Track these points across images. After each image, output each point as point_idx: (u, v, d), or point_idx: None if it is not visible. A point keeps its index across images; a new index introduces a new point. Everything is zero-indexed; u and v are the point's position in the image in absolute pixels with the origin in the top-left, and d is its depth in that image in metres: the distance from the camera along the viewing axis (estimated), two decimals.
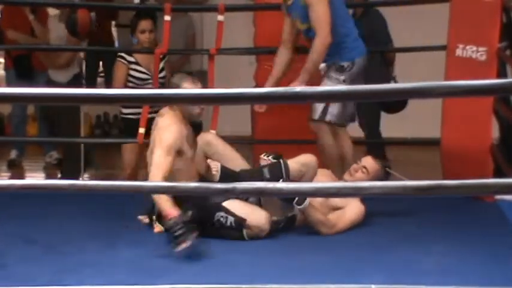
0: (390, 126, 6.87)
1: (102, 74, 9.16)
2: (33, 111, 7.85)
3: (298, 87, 2.45)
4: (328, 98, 2.92)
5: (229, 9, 6.03)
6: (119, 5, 8.73)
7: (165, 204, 4.32)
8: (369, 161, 4.99)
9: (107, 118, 8.85)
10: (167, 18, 5.96)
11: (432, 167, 5.83)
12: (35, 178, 7.09)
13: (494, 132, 5.65)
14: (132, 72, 5.94)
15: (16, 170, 7.26)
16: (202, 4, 7.92)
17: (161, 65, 5.98)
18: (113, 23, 9.30)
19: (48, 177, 7.08)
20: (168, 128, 4.56)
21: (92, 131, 8.73)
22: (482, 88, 2.43)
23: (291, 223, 4.82)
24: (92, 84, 8.05)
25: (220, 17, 5.89)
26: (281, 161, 4.84)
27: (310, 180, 4.83)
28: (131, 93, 2.66)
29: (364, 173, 4.92)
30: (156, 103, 5.80)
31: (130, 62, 5.95)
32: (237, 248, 4.52)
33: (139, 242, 4.44)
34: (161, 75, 5.97)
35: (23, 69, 7.07)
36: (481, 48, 5.44)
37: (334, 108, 5.20)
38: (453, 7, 5.58)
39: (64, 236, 4.66)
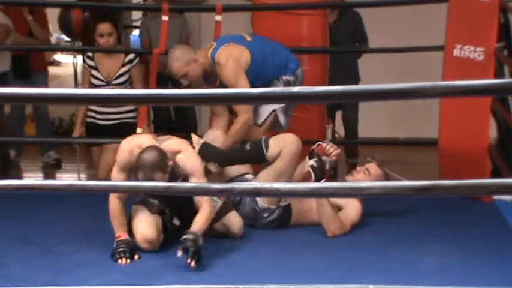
0: (388, 126, 6.89)
1: None
2: (31, 112, 7.86)
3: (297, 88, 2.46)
4: (326, 98, 2.92)
5: (227, 9, 6.04)
6: (117, 5, 8.75)
7: (116, 226, 4.37)
8: (373, 165, 5.07)
9: None
10: (165, 18, 5.95)
11: (430, 167, 5.84)
12: (33, 178, 7.09)
13: (492, 132, 5.66)
14: (91, 77, 5.89)
15: (14, 170, 7.26)
16: (200, 4, 7.94)
17: (123, 69, 5.87)
18: None
19: (46, 177, 7.08)
20: (121, 148, 4.46)
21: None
22: (479, 88, 2.42)
23: (287, 215, 4.86)
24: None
25: (218, 17, 5.90)
26: (263, 138, 4.90)
27: (290, 154, 4.80)
28: (130, 93, 2.66)
29: (365, 175, 4.98)
30: (154, 104, 5.83)
31: (90, 66, 5.89)
32: (236, 248, 4.52)
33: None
34: (120, 80, 5.85)
35: (21, 69, 7.07)
36: (478, 49, 5.45)
37: (282, 119, 5.25)
38: (451, 7, 5.58)
39: (61, 236, 4.67)
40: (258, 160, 4.89)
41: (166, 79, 6.83)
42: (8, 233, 4.77)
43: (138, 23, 9.19)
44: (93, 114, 5.96)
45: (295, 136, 4.89)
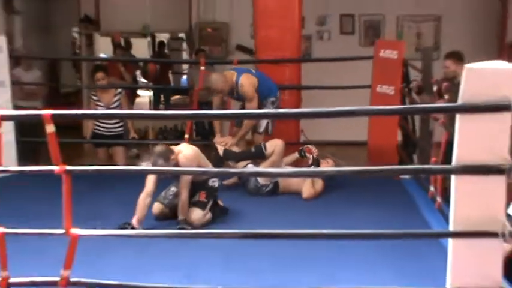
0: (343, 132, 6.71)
1: (163, 102, 9.20)
2: None
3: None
4: (299, 116, 2.89)
5: (240, 62, 5.90)
6: (175, 60, 8.79)
7: (136, 213, 3.66)
8: (329, 160, 5.06)
9: (165, 129, 8.72)
10: (202, 68, 5.89)
11: (361, 159, 5.80)
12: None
13: (399, 136, 5.67)
14: (96, 106, 5.46)
15: None
16: (224, 59, 7.84)
17: (115, 98, 5.44)
18: (170, 71, 9.37)
19: None
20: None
21: (157, 136, 8.56)
22: (390, 111, 2.43)
23: (276, 187, 4.82)
24: (156, 108, 8.16)
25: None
26: (261, 143, 4.95)
27: (279, 151, 4.81)
28: (180, 113, 2.65)
29: (327, 164, 4.99)
30: (195, 119, 5.80)
31: (95, 100, 5.48)
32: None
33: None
34: (114, 105, 5.42)
35: None
36: (391, 87, 5.49)
37: (270, 127, 5.29)
38: (375, 61, 5.61)
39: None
40: (261, 156, 4.89)
41: (203, 104, 6.83)
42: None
43: (185, 70, 9.18)
44: (99, 128, 5.57)
45: (281, 140, 4.92)
